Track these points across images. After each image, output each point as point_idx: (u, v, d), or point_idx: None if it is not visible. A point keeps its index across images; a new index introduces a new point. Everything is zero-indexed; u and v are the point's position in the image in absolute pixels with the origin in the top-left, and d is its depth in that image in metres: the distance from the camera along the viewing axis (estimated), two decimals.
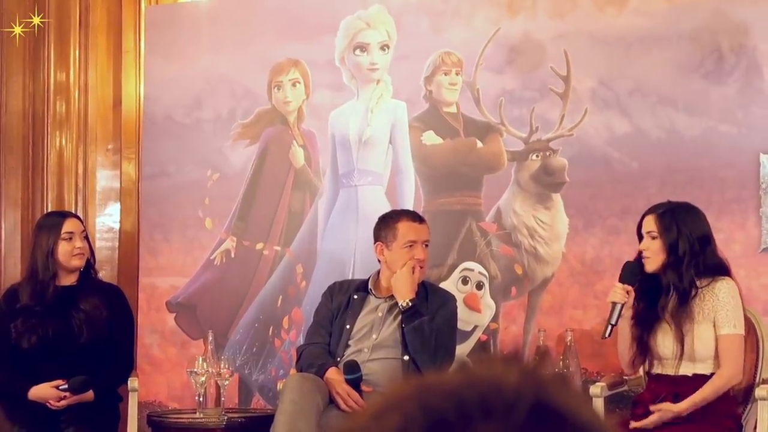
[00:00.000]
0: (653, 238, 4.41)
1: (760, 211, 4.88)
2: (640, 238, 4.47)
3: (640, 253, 4.46)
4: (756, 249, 4.87)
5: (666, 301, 4.41)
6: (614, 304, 4.41)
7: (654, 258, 4.42)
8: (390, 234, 4.84)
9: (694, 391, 4.32)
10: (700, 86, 4.98)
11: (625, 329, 4.44)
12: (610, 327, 4.41)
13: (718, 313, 4.35)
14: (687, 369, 4.37)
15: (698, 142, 4.97)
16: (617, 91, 5.13)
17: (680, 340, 4.35)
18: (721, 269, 4.41)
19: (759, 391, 4.41)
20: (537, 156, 5.27)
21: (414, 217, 4.91)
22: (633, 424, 4.36)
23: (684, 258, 4.38)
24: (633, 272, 4.44)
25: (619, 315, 4.41)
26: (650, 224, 4.43)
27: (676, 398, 4.34)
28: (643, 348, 4.43)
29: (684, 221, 4.42)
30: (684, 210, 4.45)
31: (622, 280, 4.44)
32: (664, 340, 4.38)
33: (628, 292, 4.41)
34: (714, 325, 4.36)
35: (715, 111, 4.96)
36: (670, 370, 4.40)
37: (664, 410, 4.32)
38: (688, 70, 5.00)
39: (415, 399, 0.82)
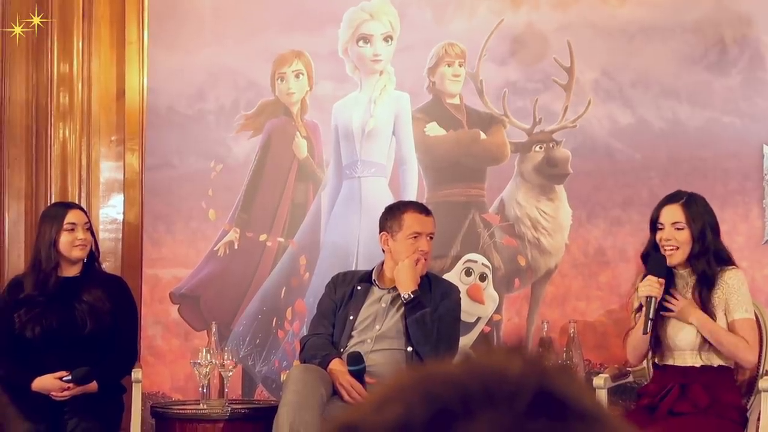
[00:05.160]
0: (679, 228, 4.35)
1: (764, 203, 4.88)
2: (655, 228, 4.43)
3: (651, 243, 4.42)
4: (759, 240, 4.87)
5: (689, 292, 4.38)
6: (649, 298, 4.30)
7: (682, 249, 4.36)
8: (396, 224, 4.84)
9: (703, 383, 4.30)
10: (703, 77, 4.98)
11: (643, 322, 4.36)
12: (650, 323, 4.29)
13: (729, 300, 4.33)
14: (696, 360, 4.36)
15: (701, 133, 4.97)
16: (620, 83, 5.12)
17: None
18: (728, 259, 4.41)
19: (762, 383, 4.40)
20: (540, 147, 5.26)
21: (421, 209, 4.91)
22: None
23: (709, 248, 4.36)
24: (662, 264, 4.35)
25: (656, 309, 4.31)
26: (676, 215, 4.37)
27: (684, 389, 4.33)
28: (657, 340, 4.40)
29: (705, 210, 4.39)
30: (700, 199, 4.43)
31: (652, 272, 4.34)
32: (681, 332, 4.34)
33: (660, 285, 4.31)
34: (725, 313, 4.35)
35: (718, 102, 4.96)
36: (683, 361, 4.37)
37: (685, 305, 4.30)
38: (691, 61, 5.00)
39: (417, 389, 0.81)
